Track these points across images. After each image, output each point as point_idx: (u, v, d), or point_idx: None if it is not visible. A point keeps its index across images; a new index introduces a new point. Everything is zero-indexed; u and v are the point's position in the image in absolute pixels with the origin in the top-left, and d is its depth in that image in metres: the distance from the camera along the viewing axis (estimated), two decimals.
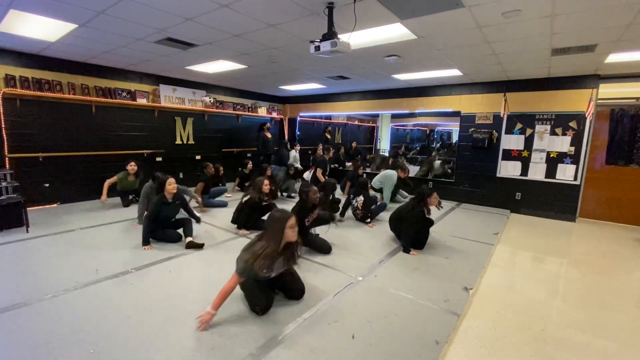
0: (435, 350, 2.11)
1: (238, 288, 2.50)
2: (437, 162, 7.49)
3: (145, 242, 3.68)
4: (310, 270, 3.28)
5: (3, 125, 4.82)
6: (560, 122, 5.59)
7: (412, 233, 3.84)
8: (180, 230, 3.92)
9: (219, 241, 4.01)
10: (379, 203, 5.41)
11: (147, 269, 3.18)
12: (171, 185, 3.79)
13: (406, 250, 3.80)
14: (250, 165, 7.08)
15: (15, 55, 4.93)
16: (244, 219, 4.35)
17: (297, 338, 2.18)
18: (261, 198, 4.31)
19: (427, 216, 3.89)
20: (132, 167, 5.41)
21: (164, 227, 3.92)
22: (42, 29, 3.86)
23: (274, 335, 2.20)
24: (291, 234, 2.35)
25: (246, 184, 7.12)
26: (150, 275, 3.04)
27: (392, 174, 5.86)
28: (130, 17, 3.39)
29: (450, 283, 3.06)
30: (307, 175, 7.23)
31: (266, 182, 4.37)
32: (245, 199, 4.29)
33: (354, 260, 3.55)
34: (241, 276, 2.27)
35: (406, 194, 6.49)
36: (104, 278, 2.95)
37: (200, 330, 2.19)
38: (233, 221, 4.51)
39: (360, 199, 4.98)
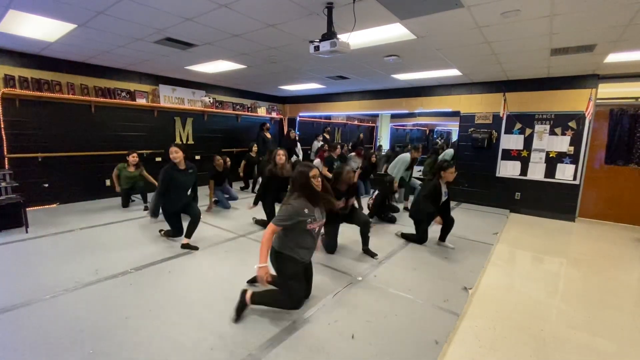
0: (434, 350, 2.11)
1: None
2: (450, 151, 7.36)
3: (154, 214, 3.64)
4: None
5: (2, 126, 4.82)
6: (560, 122, 5.60)
7: (428, 207, 3.82)
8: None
9: (219, 242, 4.01)
10: (392, 215, 5.25)
11: (147, 269, 3.18)
12: (172, 154, 3.55)
13: (423, 223, 3.96)
14: (255, 147, 7.04)
15: (15, 56, 4.92)
16: (262, 190, 4.39)
17: (296, 338, 2.18)
18: (272, 169, 4.29)
19: (444, 191, 3.87)
20: (133, 157, 5.37)
21: (177, 209, 3.74)
22: (41, 29, 3.85)
23: (273, 335, 2.20)
24: (316, 183, 2.37)
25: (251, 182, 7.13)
26: (150, 276, 3.04)
27: (405, 155, 5.89)
28: (129, 17, 3.38)
29: (449, 283, 3.07)
30: (318, 162, 7.16)
31: (280, 152, 4.32)
32: (268, 168, 4.29)
33: (353, 260, 3.55)
34: (279, 224, 2.26)
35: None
36: (103, 278, 2.95)
37: (266, 283, 2.23)
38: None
39: (376, 192, 5.00)
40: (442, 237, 4.09)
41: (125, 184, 5.45)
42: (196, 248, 3.71)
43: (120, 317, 2.36)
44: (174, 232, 3.87)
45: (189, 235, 3.76)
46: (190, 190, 3.86)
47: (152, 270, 3.15)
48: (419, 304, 2.67)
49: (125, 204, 5.55)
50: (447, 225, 4.02)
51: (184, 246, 3.71)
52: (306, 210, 2.31)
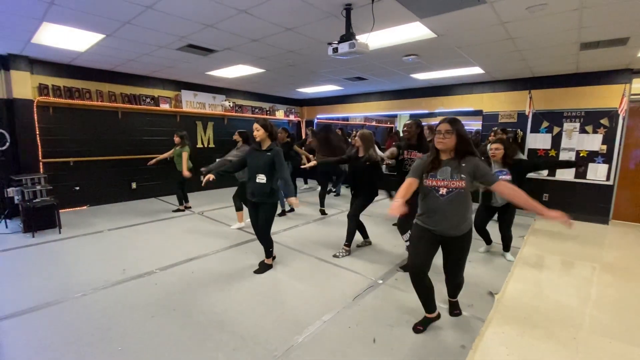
0: (461, 355, 2.05)
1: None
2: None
3: (208, 171, 3.17)
4: (329, 272, 3.27)
5: (37, 132, 5.10)
6: (591, 119, 5.33)
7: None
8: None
9: (241, 242, 4.07)
10: None
11: (171, 269, 3.26)
12: (254, 132, 3.08)
13: None
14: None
15: (48, 66, 5.20)
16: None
17: (317, 340, 2.18)
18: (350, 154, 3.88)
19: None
20: (174, 138, 5.48)
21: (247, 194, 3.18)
22: (72, 40, 4.05)
23: (294, 337, 2.20)
24: (437, 140, 2.10)
25: None
26: (174, 276, 3.12)
27: None
28: (153, 26, 3.50)
29: (474, 287, 2.97)
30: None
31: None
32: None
33: (374, 261, 3.50)
34: (410, 176, 2.13)
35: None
36: (130, 278, 3.06)
37: (393, 212, 1.92)
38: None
39: None
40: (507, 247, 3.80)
41: (176, 165, 5.52)
42: (270, 266, 3.34)
43: (146, 315, 2.44)
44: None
45: (267, 254, 3.33)
46: (264, 175, 3.02)
47: (176, 271, 3.24)
48: (442, 309, 2.59)
49: (178, 193, 5.73)
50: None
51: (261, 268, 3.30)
52: (430, 165, 2.10)
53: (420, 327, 2.30)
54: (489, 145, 3.77)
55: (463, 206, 2.09)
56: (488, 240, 3.85)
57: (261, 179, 3.03)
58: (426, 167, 2.12)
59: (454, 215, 2.08)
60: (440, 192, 2.06)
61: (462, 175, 2.02)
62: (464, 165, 2.04)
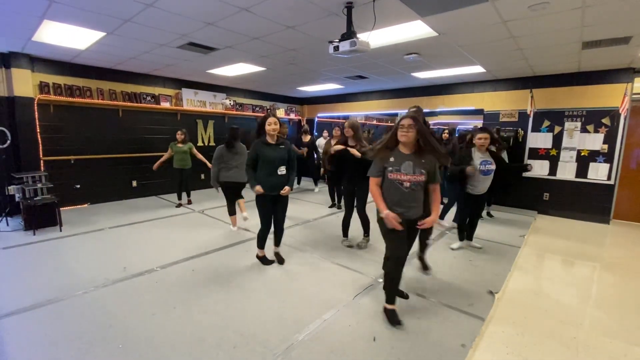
0: (460, 353, 2.05)
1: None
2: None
3: (252, 185, 3.15)
4: (329, 271, 3.27)
5: (38, 130, 5.10)
6: (592, 118, 5.32)
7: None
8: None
9: (240, 240, 4.07)
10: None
11: (171, 267, 3.27)
12: (271, 125, 3.04)
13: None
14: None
15: (49, 64, 5.20)
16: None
17: (317, 339, 2.18)
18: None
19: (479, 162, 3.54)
20: (179, 135, 5.74)
21: (267, 193, 3.12)
22: (73, 38, 4.05)
23: (294, 335, 2.21)
24: (400, 134, 2.26)
25: None
26: (174, 274, 3.12)
27: None
28: (154, 23, 3.50)
29: (474, 286, 2.97)
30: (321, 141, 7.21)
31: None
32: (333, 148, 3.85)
33: (374, 260, 3.50)
34: (373, 175, 2.38)
35: None
36: (131, 275, 3.06)
37: (395, 223, 2.23)
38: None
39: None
40: (469, 236, 3.97)
41: (176, 162, 5.72)
42: (282, 261, 3.42)
43: (147, 313, 2.44)
44: (263, 227, 3.31)
45: (276, 242, 3.47)
46: (284, 167, 3.15)
47: (176, 269, 3.24)
48: (442, 308, 2.60)
49: (179, 190, 5.90)
50: (473, 220, 3.91)
51: (276, 255, 3.46)
52: (392, 159, 2.30)
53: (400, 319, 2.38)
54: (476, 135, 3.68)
55: (421, 193, 2.35)
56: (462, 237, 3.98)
57: (282, 171, 3.16)
58: (385, 159, 2.32)
59: (417, 201, 2.33)
60: (405, 185, 2.27)
61: (422, 171, 2.27)
62: (423, 161, 2.27)
